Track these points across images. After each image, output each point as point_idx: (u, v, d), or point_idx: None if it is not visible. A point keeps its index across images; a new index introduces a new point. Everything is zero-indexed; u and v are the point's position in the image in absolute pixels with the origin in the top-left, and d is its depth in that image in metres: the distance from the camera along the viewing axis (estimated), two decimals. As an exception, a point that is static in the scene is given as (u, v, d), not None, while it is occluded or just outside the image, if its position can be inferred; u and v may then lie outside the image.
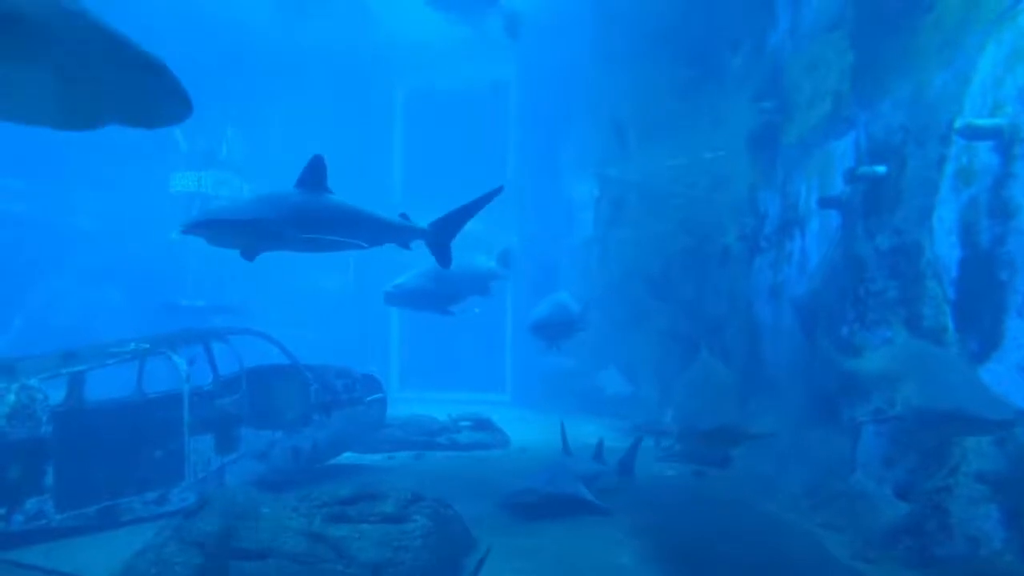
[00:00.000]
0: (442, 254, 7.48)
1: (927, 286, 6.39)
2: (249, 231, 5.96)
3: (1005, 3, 5.82)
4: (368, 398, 9.57)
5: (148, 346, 7.49)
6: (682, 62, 12.39)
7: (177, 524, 5.46)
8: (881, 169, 7.06)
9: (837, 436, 7.48)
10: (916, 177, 6.66)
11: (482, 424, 11.94)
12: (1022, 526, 5.23)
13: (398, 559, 5.13)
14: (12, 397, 6.32)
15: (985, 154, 5.81)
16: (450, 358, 19.74)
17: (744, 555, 6.18)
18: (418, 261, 8.83)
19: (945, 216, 6.24)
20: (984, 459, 5.53)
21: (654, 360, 13.14)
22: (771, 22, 10.39)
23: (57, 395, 6.94)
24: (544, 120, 17.26)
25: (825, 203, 8.27)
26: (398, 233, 7.16)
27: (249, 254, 6.29)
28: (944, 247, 6.22)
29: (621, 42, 13.87)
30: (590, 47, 15.26)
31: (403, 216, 7.23)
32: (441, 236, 7.38)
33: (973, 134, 5.77)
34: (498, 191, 7.24)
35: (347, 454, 9.58)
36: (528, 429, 12.49)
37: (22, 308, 15.82)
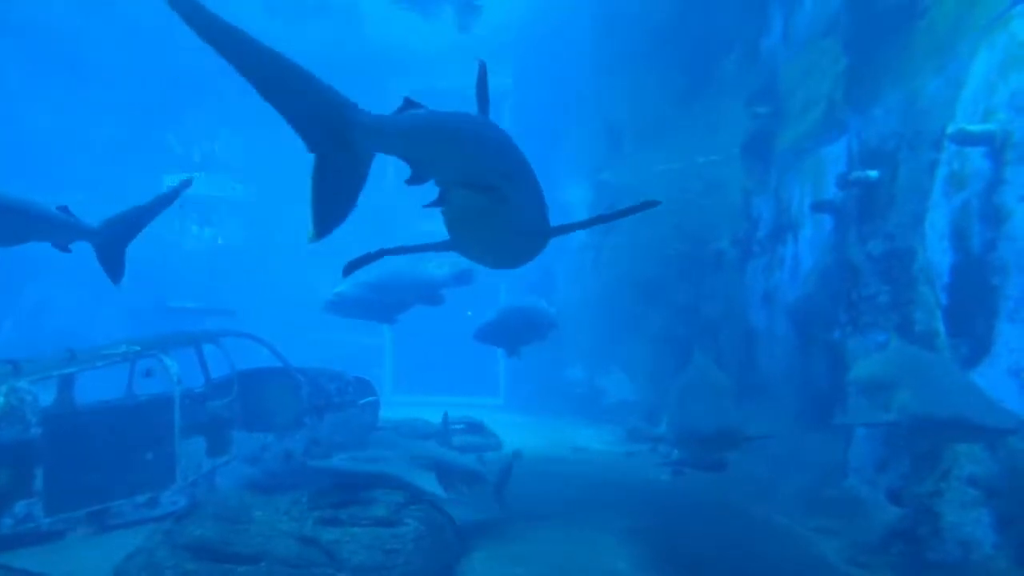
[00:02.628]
0: (112, 261, 5.98)
1: (919, 291, 6.41)
2: None
3: (997, 9, 5.85)
4: (360, 401, 9.53)
5: (139, 348, 7.45)
6: (677, 68, 12.42)
7: (168, 528, 5.42)
8: (874, 174, 7.09)
9: (831, 440, 7.49)
10: (908, 182, 6.68)
11: (475, 427, 11.92)
12: (1013, 531, 5.24)
13: (389, 563, 5.11)
14: (1, 399, 6.27)
15: (977, 160, 5.84)
16: (443, 362, 19.69)
17: (739, 560, 6.18)
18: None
19: (937, 221, 6.27)
20: (976, 464, 5.54)
21: (649, 365, 13.14)
22: (765, 28, 10.44)
23: (48, 397, 6.90)
24: (540, 125, 17.27)
25: (818, 208, 8.30)
26: (51, 230, 5.64)
27: None
28: (936, 252, 6.25)
29: (617, 48, 13.91)
30: (586, 53, 15.29)
31: (63, 210, 5.74)
32: (114, 239, 5.89)
33: (965, 140, 5.80)
34: (187, 184, 6.08)
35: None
36: (521, 433, 12.48)
37: (12, 311, 15.72)
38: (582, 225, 3.93)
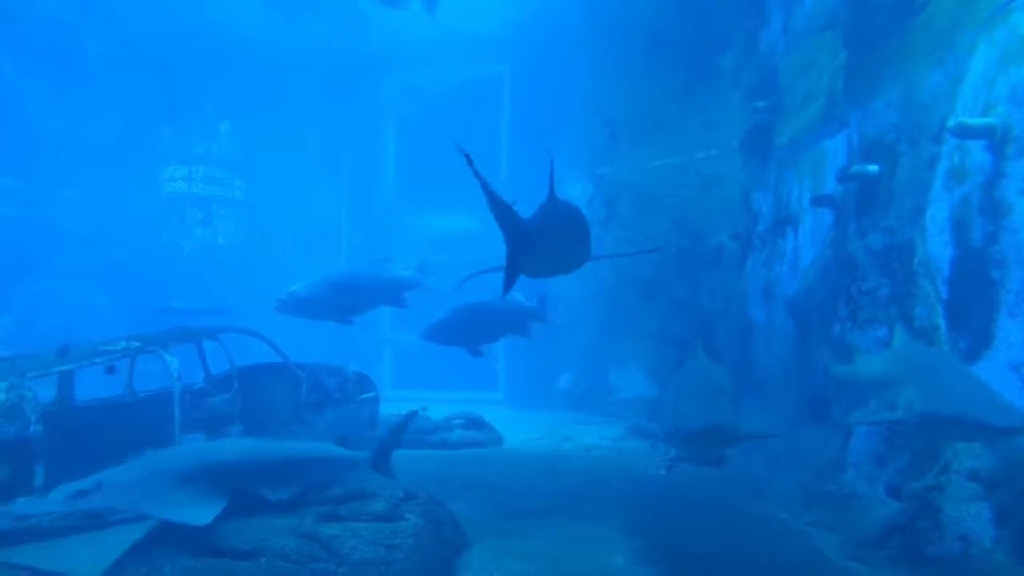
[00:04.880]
0: None
1: (919, 285, 6.40)
2: None
3: (997, 3, 5.83)
4: (360, 396, 9.54)
5: (139, 344, 7.44)
6: (675, 63, 12.41)
7: (166, 523, 5.41)
8: (874, 168, 7.07)
9: (830, 436, 7.49)
10: (908, 176, 6.67)
11: (475, 423, 11.93)
12: (1013, 525, 5.24)
13: (390, 558, 5.10)
14: (1, 396, 6.26)
15: (977, 153, 5.83)
16: (443, 357, 19.69)
17: (737, 556, 6.18)
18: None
19: (937, 215, 6.26)
20: (975, 458, 5.54)
21: (650, 361, 13.13)
22: (763, 22, 10.41)
23: (47, 393, 6.90)
24: (537, 119, 17.25)
25: (818, 202, 8.29)
26: None
27: None
28: (936, 246, 6.24)
29: (615, 42, 13.88)
30: (584, 47, 15.26)
31: None
32: None
33: (965, 133, 5.78)
34: None
35: (339, 453, 9.53)
36: (521, 428, 12.49)
37: (9, 309, 15.69)
38: (613, 256, 4.80)
